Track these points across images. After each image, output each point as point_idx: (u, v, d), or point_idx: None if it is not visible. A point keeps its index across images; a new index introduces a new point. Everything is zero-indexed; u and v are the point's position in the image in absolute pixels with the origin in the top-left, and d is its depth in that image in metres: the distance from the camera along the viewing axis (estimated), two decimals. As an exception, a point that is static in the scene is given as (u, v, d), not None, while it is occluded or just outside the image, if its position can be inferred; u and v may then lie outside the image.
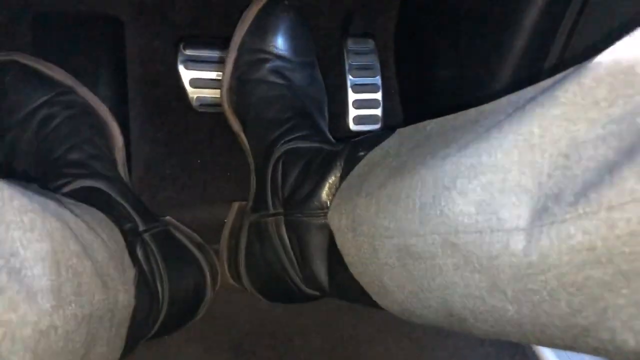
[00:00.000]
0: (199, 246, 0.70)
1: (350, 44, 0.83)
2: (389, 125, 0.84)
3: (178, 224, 0.70)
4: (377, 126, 0.83)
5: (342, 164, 0.59)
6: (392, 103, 0.86)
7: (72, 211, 0.47)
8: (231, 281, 0.72)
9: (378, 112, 0.83)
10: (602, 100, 0.32)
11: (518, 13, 0.60)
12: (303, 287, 0.64)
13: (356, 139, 0.61)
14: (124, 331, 0.51)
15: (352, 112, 0.82)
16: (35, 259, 0.37)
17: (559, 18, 0.59)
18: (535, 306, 0.34)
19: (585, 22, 0.58)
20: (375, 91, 0.83)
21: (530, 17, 0.59)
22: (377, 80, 0.83)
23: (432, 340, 0.77)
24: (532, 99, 0.36)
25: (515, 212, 0.34)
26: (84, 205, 0.53)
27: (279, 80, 0.69)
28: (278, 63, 0.70)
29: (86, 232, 0.46)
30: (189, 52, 0.77)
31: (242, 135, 0.72)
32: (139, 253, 0.58)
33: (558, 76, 0.37)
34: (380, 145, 0.55)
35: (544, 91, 0.36)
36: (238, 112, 0.72)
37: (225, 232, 0.73)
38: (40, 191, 0.49)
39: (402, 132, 0.55)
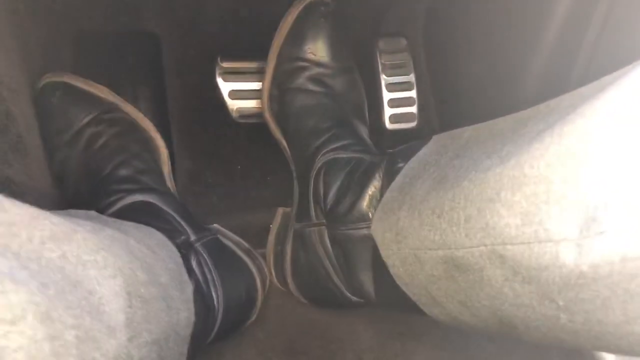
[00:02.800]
0: (247, 252, 0.71)
1: (382, 43, 0.84)
2: (425, 121, 0.85)
3: (225, 230, 0.72)
4: (413, 124, 0.84)
5: (382, 175, 0.59)
6: (427, 100, 0.86)
7: (134, 237, 0.49)
8: (279, 286, 0.74)
9: (413, 109, 0.83)
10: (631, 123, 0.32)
11: (551, 3, 0.60)
12: (348, 294, 0.66)
13: (394, 150, 0.62)
14: (186, 347, 0.52)
15: (388, 111, 0.83)
16: (110, 294, 0.38)
17: (591, 8, 0.59)
18: (588, 314, 0.35)
19: (617, 17, 0.58)
20: (410, 89, 0.83)
21: (563, 7, 0.59)
22: (411, 77, 0.84)
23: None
24: (572, 107, 0.37)
25: (562, 223, 0.34)
26: (144, 228, 0.55)
27: (319, 89, 0.70)
28: (317, 70, 0.71)
29: (149, 258, 0.48)
30: (226, 64, 0.79)
31: (284, 143, 0.73)
32: (194, 264, 0.60)
33: (596, 84, 0.38)
34: (417, 155, 0.56)
35: (584, 100, 0.36)
36: (279, 120, 0.73)
37: (271, 237, 0.74)
38: (102, 219, 0.50)
39: (438, 139, 0.55)
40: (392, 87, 0.83)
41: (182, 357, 0.52)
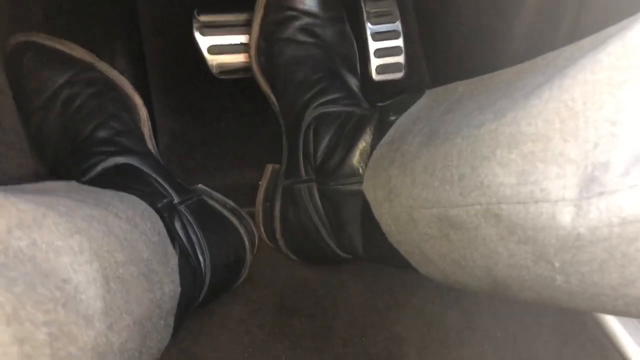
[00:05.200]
0: (233, 211, 0.70)
1: (368, -9, 0.81)
2: (413, 72, 0.83)
3: (210, 190, 0.71)
4: (400, 74, 0.82)
5: (373, 129, 0.58)
6: (414, 51, 0.84)
7: (114, 211, 0.47)
8: (268, 243, 0.73)
9: (400, 59, 0.81)
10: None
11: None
12: (337, 250, 0.65)
13: (386, 103, 0.60)
14: (171, 320, 0.51)
15: (374, 62, 0.80)
16: (87, 281, 0.37)
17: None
18: (584, 277, 0.34)
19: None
20: (396, 37, 0.81)
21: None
22: (397, 26, 0.81)
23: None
24: (572, 60, 0.35)
25: (560, 183, 0.33)
26: (126, 197, 0.53)
27: (309, 39, 0.68)
28: (307, 20, 0.68)
29: (130, 233, 0.46)
30: (204, 18, 0.76)
31: (272, 96, 0.71)
32: (178, 227, 0.59)
33: (598, 36, 0.36)
34: (409, 110, 0.54)
35: (584, 53, 0.34)
36: (267, 73, 0.71)
37: (260, 195, 0.73)
38: (81, 192, 0.49)
39: (431, 93, 0.54)
40: (378, 37, 0.80)
41: (167, 328, 0.51)
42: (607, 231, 0.30)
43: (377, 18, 0.80)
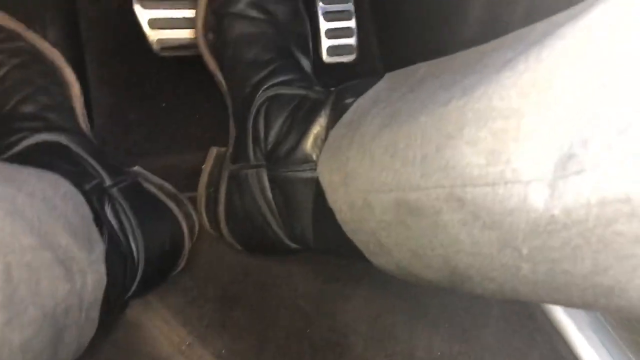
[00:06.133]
0: (172, 196, 0.66)
1: (319, -32, 0.77)
2: (365, 55, 0.80)
3: (148, 173, 0.66)
4: (352, 57, 0.79)
5: (328, 113, 0.55)
6: (366, 33, 0.81)
7: (29, 189, 0.42)
8: (210, 230, 0.69)
9: (352, 41, 0.78)
10: (633, 28, 0.28)
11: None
12: (286, 240, 0.62)
13: (342, 86, 0.57)
14: (95, 313, 0.47)
15: (325, 43, 0.77)
16: None
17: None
18: (554, 264, 0.31)
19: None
20: (348, 18, 0.77)
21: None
22: (350, 6, 0.78)
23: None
24: (548, 33, 0.32)
25: (534, 161, 0.30)
26: (48, 176, 0.48)
27: (261, 15, 0.63)
28: None
29: (45, 214, 0.42)
30: None
31: (219, 75, 0.67)
32: (108, 211, 0.54)
33: (574, 9, 0.33)
34: (367, 92, 0.51)
35: (561, 25, 0.31)
36: (215, 50, 0.66)
37: (203, 179, 0.69)
38: None
39: (391, 76, 0.51)
40: (329, 16, 0.76)
41: (91, 322, 0.47)
42: (583, 212, 0.28)
43: (329, -2, 0.77)
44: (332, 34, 0.77)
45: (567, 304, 0.34)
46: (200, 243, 0.70)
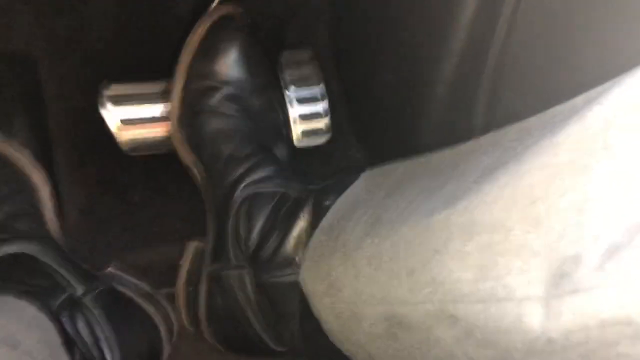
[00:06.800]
0: (148, 297, 0.63)
1: (286, 55, 0.78)
2: (337, 136, 0.80)
3: (122, 274, 0.64)
4: (324, 138, 0.78)
5: (308, 214, 0.54)
6: (339, 115, 0.81)
7: None
8: (190, 329, 0.67)
9: (323, 124, 0.78)
10: (613, 146, 0.27)
11: (453, 14, 0.56)
12: (271, 344, 0.59)
13: (319, 186, 0.57)
14: None
15: (297, 127, 0.76)
16: None
17: (495, 16, 0.55)
18: None
19: (523, 19, 0.55)
20: (319, 101, 0.77)
21: (465, 15, 0.56)
22: (320, 90, 0.78)
23: None
24: (522, 143, 0.32)
25: (524, 279, 0.29)
26: (8, 305, 0.46)
27: (234, 112, 0.63)
28: (232, 89, 0.63)
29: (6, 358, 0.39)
30: (115, 88, 0.69)
31: (194, 170, 0.66)
32: (81, 326, 0.52)
33: (544, 116, 0.33)
34: (345, 193, 0.50)
35: (535, 135, 0.31)
36: (191, 147, 0.65)
37: (181, 278, 0.66)
38: None
39: (367, 177, 0.51)
40: (300, 102, 0.76)
41: None
42: (583, 335, 0.26)
43: (299, 82, 0.77)
44: (303, 118, 0.76)
45: None
46: (180, 343, 0.67)
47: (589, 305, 0.26)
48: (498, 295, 0.30)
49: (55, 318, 0.49)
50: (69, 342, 0.48)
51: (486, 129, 0.40)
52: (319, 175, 0.64)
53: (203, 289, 0.63)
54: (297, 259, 0.54)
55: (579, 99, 0.31)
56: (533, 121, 0.35)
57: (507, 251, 0.30)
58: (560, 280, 0.27)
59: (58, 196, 0.67)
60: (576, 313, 0.26)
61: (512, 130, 0.36)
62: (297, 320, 0.54)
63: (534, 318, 0.28)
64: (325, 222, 0.50)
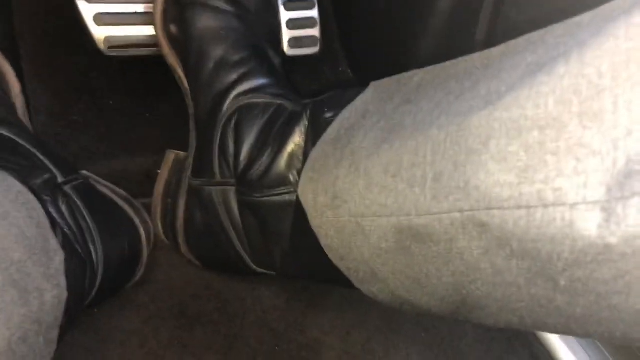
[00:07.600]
0: (126, 200, 0.59)
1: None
2: (328, 48, 0.75)
3: (96, 177, 0.59)
4: (315, 49, 0.73)
5: (305, 129, 0.50)
6: (329, 23, 0.76)
7: None
8: (166, 241, 0.63)
9: (315, 32, 0.73)
10: None
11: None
12: (251, 264, 0.57)
13: (318, 98, 0.52)
14: (54, 333, 0.41)
15: (287, 34, 0.71)
16: None
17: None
18: (599, 298, 0.27)
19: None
20: (311, 7, 0.72)
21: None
22: (312, -1, 0.72)
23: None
24: (571, 36, 0.28)
25: (580, 181, 0.26)
26: None
27: (229, 7, 0.57)
28: None
29: None
30: None
31: (180, 72, 0.60)
32: (63, 208, 0.48)
33: (602, 10, 0.29)
34: (353, 103, 0.46)
35: (605, 20, 0.27)
36: (177, 45, 0.59)
37: (159, 187, 0.62)
38: None
39: (378, 86, 0.46)
40: (290, 6, 0.71)
41: (50, 345, 0.40)
42: None
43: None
44: (294, 24, 0.71)
45: (607, 338, 0.30)
46: (156, 254, 0.63)
47: None
48: (545, 200, 0.27)
49: (39, 198, 0.45)
50: (53, 224, 0.45)
51: (487, 45, 0.37)
52: (308, 93, 0.60)
53: (182, 202, 0.59)
54: (290, 177, 0.50)
55: None
56: (585, 17, 0.31)
57: (559, 150, 0.26)
58: (626, 180, 0.24)
59: (26, 98, 0.62)
60: None
61: (558, 28, 0.32)
62: (288, 239, 0.51)
63: (589, 224, 0.25)
64: (329, 134, 0.46)
